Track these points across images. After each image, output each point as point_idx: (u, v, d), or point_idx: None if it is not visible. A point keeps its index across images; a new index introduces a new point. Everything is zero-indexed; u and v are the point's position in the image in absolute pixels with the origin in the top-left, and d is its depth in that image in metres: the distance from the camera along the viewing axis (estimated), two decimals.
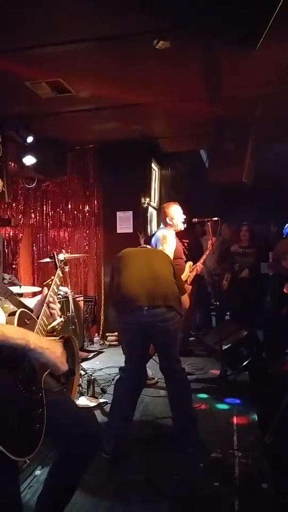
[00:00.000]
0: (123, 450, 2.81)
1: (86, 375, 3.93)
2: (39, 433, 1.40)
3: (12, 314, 1.47)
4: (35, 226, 6.31)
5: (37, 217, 6.32)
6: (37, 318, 1.60)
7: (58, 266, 1.87)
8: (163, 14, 2.57)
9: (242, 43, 2.64)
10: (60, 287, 3.99)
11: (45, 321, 1.62)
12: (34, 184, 5.66)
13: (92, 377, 3.81)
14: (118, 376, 3.06)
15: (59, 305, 1.72)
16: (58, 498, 1.77)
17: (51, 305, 1.68)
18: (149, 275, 2.87)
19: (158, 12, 2.58)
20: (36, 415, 1.41)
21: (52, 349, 1.41)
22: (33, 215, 6.27)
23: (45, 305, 1.66)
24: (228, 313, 6.27)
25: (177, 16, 2.50)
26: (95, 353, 5.38)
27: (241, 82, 3.80)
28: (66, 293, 4.32)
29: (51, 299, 1.69)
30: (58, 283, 1.78)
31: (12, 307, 1.59)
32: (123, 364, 3.01)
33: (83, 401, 3.56)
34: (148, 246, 3.67)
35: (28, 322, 1.52)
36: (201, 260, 4.25)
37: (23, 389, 1.39)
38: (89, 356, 5.17)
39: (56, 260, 1.88)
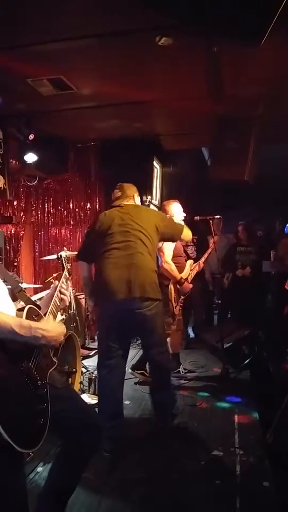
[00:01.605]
0: (123, 448, 2.81)
1: (88, 372, 3.94)
2: (43, 427, 1.43)
3: (21, 309, 1.51)
4: (37, 223, 6.29)
5: (39, 215, 6.30)
6: (44, 315, 1.63)
7: (65, 267, 1.93)
8: (166, 10, 2.55)
9: (245, 40, 2.62)
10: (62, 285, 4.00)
11: (55, 310, 1.67)
12: (36, 181, 5.65)
13: (94, 375, 3.81)
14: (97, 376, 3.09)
15: (70, 291, 1.80)
16: (60, 493, 1.80)
17: (63, 290, 1.76)
18: (127, 263, 2.81)
19: (160, 8, 2.57)
20: (41, 410, 1.44)
21: (54, 335, 1.45)
22: (34, 213, 6.25)
23: (56, 292, 1.73)
24: (229, 312, 6.27)
25: (180, 12, 2.48)
26: (96, 350, 5.36)
27: (244, 80, 3.78)
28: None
29: (64, 286, 1.77)
30: (65, 282, 1.84)
31: (21, 303, 1.63)
32: None
33: (84, 398, 3.56)
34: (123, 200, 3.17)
35: (35, 318, 1.55)
36: (203, 259, 4.25)
37: (29, 383, 1.42)
38: (90, 354, 5.16)
39: (64, 261, 1.94)
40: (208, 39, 3.10)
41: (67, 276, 1.89)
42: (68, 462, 1.77)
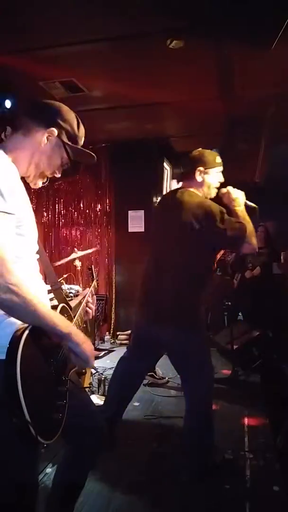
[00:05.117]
0: (133, 450, 2.81)
1: (97, 373, 3.95)
2: (60, 422, 1.44)
3: (55, 307, 1.55)
4: (47, 224, 6.35)
5: (49, 216, 6.36)
6: (73, 317, 1.68)
7: (95, 278, 2.11)
8: (177, 13, 2.55)
9: (256, 42, 2.62)
10: (72, 286, 4.03)
11: (80, 322, 1.72)
12: (47, 183, 5.68)
13: (103, 376, 3.82)
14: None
15: (95, 306, 1.89)
16: (68, 493, 1.81)
17: (90, 304, 1.84)
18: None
19: (171, 12, 2.57)
20: (60, 405, 1.46)
21: (87, 346, 1.45)
22: (45, 214, 6.30)
23: (84, 302, 1.81)
24: (240, 313, 6.24)
25: (191, 15, 2.48)
26: (105, 351, 5.39)
27: (255, 81, 3.77)
28: (78, 292, 4.33)
29: (90, 300, 1.85)
30: (93, 294, 1.94)
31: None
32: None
33: (93, 399, 3.57)
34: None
35: (66, 317, 1.58)
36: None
37: (55, 377, 1.44)
38: (100, 355, 5.18)
39: (94, 272, 2.15)
40: (219, 42, 3.10)
41: (96, 286, 2.01)
42: (72, 463, 1.79)
